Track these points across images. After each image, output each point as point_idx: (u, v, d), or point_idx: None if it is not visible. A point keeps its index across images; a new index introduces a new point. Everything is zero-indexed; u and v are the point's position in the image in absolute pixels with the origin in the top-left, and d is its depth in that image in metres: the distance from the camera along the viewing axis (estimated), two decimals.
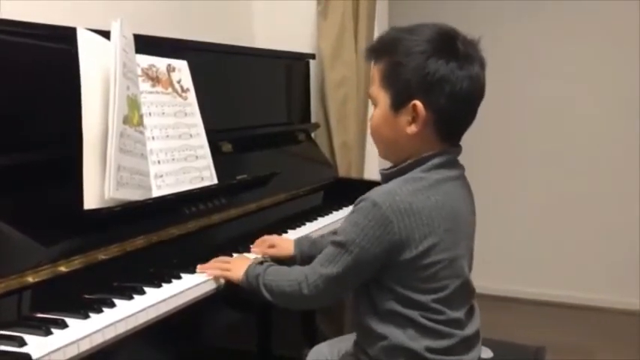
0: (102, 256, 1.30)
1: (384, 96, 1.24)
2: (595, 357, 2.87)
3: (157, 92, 1.58)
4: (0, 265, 1.11)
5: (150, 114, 1.54)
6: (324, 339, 1.63)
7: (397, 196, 1.17)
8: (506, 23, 3.47)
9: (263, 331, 2.13)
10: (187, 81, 1.69)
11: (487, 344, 1.44)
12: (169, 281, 1.33)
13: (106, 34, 1.39)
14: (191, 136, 1.65)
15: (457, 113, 1.22)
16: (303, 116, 2.46)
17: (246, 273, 1.37)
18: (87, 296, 1.23)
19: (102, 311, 1.15)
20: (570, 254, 3.50)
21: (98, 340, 1.09)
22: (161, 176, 1.52)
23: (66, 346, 1.03)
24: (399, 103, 1.22)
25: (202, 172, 1.66)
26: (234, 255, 1.55)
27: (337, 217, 2.02)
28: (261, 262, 1.40)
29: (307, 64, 2.47)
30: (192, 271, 1.40)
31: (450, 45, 1.19)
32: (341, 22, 2.49)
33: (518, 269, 3.60)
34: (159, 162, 1.53)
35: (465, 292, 1.27)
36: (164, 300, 1.25)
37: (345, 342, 1.48)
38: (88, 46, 1.35)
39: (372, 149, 2.60)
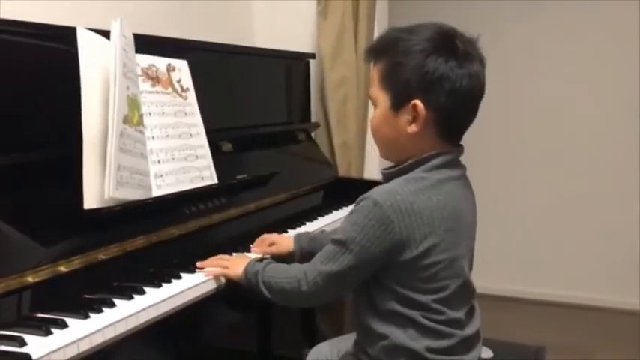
0: (102, 255, 1.30)
1: (384, 96, 1.24)
2: (595, 357, 2.87)
3: (157, 92, 1.58)
4: (0, 265, 1.11)
5: (150, 114, 1.54)
6: (324, 339, 1.63)
7: (398, 196, 1.17)
8: (506, 23, 3.47)
9: (263, 331, 2.13)
10: (187, 81, 1.69)
11: (487, 344, 1.44)
12: (169, 281, 1.33)
13: (106, 34, 1.39)
14: (191, 135, 1.65)
15: (457, 112, 1.21)
16: (303, 116, 2.46)
17: (245, 270, 1.37)
18: (87, 296, 1.23)
19: (102, 311, 1.15)
20: (570, 254, 3.50)
21: (98, 339, 1.08)
22: (161, 176, 1.52)
23: (66, 346, 1.03)
24: (399, 103, 1.22)
25: (202, 172, 1.66)
26: (234, 254, 1.55)
27: (337, 216, 2.02)
28: (260, 260, 1.40)
29: (307, 64, 2.47)
30: (193, 270, 1.40)
31: (449, 43, 1.19)
32: (341, 22, 2.50)
33: (519, 269, 3.60)
34: (159, 162, 1.53)
35: (466, 292, 1.27)
36: (164, 300, 1.25)
37: (346, 342, 1.48)
38: (88, 46, 1.35)
39: (372, 149, 2.60)
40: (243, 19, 2.67)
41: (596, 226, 3.44)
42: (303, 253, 1.59)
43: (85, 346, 1.06)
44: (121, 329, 1.14)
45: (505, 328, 2.16)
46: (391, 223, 1.16)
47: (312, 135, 2.50)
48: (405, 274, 1.20)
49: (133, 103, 1.41)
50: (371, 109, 1.29)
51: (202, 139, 1.68)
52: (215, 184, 1.68)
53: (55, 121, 1.39)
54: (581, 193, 3.45)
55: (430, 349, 1.21)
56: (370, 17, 2.56)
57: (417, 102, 1.19)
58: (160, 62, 1.61)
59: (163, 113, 1.58)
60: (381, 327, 1.23)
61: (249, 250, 1.61)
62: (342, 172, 2.53)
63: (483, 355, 1.38)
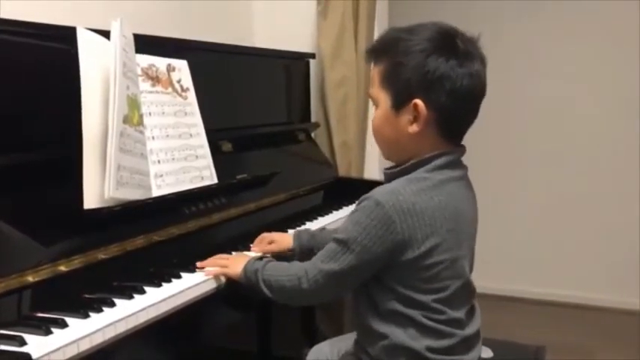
0: (102, 255, 1.30)
1: (384, 96, 1.24)
2: (595, 357, 2.87)
3: (157, 92, 1.58)
4: (0, 265, 1.11)
5: (150, 113, 1.54)
6: (324, 338, 1.63)
7: (400, 196, 1.17)
8: (506, 23, 3.47)
9: (263, 331, 2.13)
10: (187, 80, 1.69)
11: (487, 344, 1.44)
12: (169, 281, 1.33)
13: (105, 34, 1.39)
14: (191, 135, 1.65)
15: (458, 111, 1.21)
16: (303, 116, 2.46)
17: (245, 269, 1.36)
18: (87, 296, 1.23)
19: (102, 311, 1.15)
20: (570, 254, 3.50)
21: (98, 339, 1.08)
22: (161, 176, 1.53)
23: (66, 345, 1.03)
24: (399, 103, 1.22)
25: (202, 172, 1.66)
26: (234, 254, 1.55)
27: (337, 216, 2.02)
28: (260, 258, 1.40)
29: (307, 64, 2.47)
30: (193, 270, 1.40)
31: (450, 43, 1.19)
32: (341, 22, 2.50)
33: (519, 269, 3.61)
34: (159, 161, 1.53)
35: (466, 293, 1.27)
36: (164, 299, 1.25)
37: (346, 341, 1.48)
38: (88, 46, 1.35)
39: (372, 149, 2.61)
40: (243, 19, 2.67)
41: (596, 226, 3.44)
42: (303, 250, 1.59)
43: (85, 346, 1.06)
44: (121, 329, 1.14)
45: (505, 328, 2.16)
46: (393, 223, 1.16)
47: (312, 135, 2.50)
48: (407, 274, 1.20)
49: (133, 103, 1.41)
50: (371, 108, 1.29)
51: (202, 139, 1.68)
52: (215, 184, 1.68)
53: (55, 121, 1.39)
54: (581, 193, 3.45)
55: (430, 349, 1.21)
56: (370, 17, 2.56)
57: (418, 102, 1.19)
58: (160, 62, 1.61)
59: (163, 113, 1.59)
60: (381, 327, 1.23)
61: (249, 250, 1.61)
62: (342, 172, 2.53)
63: (483, 355, 1.38)
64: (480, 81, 1.21)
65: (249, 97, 2.09)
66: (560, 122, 3.49)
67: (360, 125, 2.57)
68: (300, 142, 2.34)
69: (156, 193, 1.49)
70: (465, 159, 1.28)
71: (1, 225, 1.16)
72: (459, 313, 1.25)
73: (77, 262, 1.24)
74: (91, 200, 1.29)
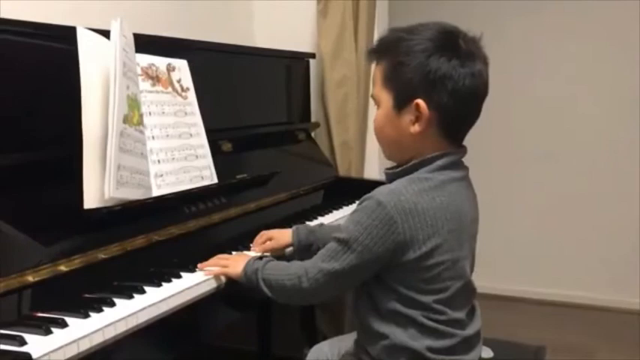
0: (102, 255, 1.30)
1: (386, 96, 1.24)
2: (595, 357, 2.87)
3: (157, 91, 1.58)
4: (0, 265, 1.11)
5: (150, 113, 1.54)
6: (324, 338, 1.63)
7: (402, 196, 1.17)
8: (507, 23, 3.47)
9: (263, 331, 2.13)
10: (187, 80, 1.69)
11: (487, 344, 1.44)
12: (169, 280, 1.33)
13: (105, 34, 1.39)
14: (191, 135, 1.65)
15: (460, 111, 1.21)
16: (303, 115, 2.46)
17: (245, 269, 1.36)
18: (87, 295, 1.23)
19: (102, 310, 1.15)
20: (570, 254, 3.50)
21: (98, 339, 1.08)
22: (161, 175, 1.53)
23: (66, 345, 1.03)
24: (401, 103, 1.21)
25: (202, 172, 1.66)
26: (234, 253, 1.55)
27: (337, 216, 2.02)
28: (260, 258, 1.40)
29: (307, 64, 2.47)
30: (193, 270, 1.40)
31: (452, 43, 1.19)
32: (341, 22, 2.50)
33: (519, 269, 3.60)
34: (159, 161, 1.53)
35: (467, 293, 1.27)
36: (164, 299, 1.25)
37: (346, 341, 1.48)
38: (87, 46, 1.35)
39: (372, 149, 2.61)
40: (243, 19, 2.67)
41: (596, 226, 3.43)
42: (302, 246, 1.60)
43: (85, 346, 1.06)
44: (121, 329, 1.13)
45: (505, 328, 2.16)
46: (394, 224, 1.16)
47: (312, 135, 2.50)
48: (408, 275, 1.20)
49: (133, 103, 1.41)
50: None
51: (202, 139, 1.68)
52: (215, 184, 1.68)
53: (55, 121, 1.39)
54: (581, 193, 3.45)
55: (431, 349, 1.21)
56: (370, 17, 2.56)
57: (420, 101, 1.19)
58: (160, 62, 1.61)
59: (163, 113, 1.59)
60: (381, 327, 1.23)
61: (249, 250, 1.61)
62: (342, 171, 2.53)
63: (484, 355, 1.38)
64: (482, 81, 1.21)
65: (250, 96, 2.09)
66: (560, 122, 3.49)
67: (360, 125, 2.57)
68: (300, 142, 2.34)
69: (156, 192, 1.49)
70: (465, 158, 1.28)
71: (1, 225, 1.16)
72: (460, 314, 1.25)
73: (77, 262, 1.24)
74: (91, 200, 1.29)
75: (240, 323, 1.94)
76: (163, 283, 1.31)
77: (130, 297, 1.22)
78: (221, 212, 1.67)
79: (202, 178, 1.65)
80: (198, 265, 1.41)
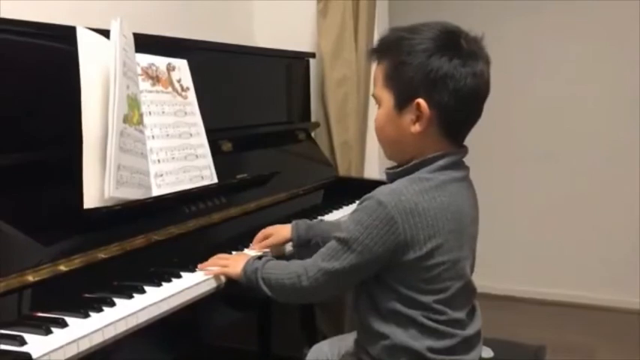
0: (102, 255, 1.30)
1: (387, 96, 1.24)
2: (595, 356, 2.87)
3: (157, 91, 1.58)
4: (0, 264, 1.11)
5: (150, 113, 1.54)
6: (324, 338, 1.63)
7: (403, 196, 1.17)
8: (507, 23, 3.47)
9: (263, 330, 2.13)
10: (187, 80, 1.69)
11: (488, 343, 1.44)
12: (169, 280, 1.33)
13: (105, 34, 1.39)
14: (191, 135, 1.65)
15: (461, 111, 1.21)
16: (303, 115, 2.46)
17: (244, 268, 1.36)
18: (87, 295, 1.23)
19: (102, 310, 1.15)
20: (570, 254, 3.50)
21: (98, 339, 1.08)
22: (161, 175, 1.52)
23: (66, 345, 1.03)
24: (402, 102, 1.21)
25: (202, 171, 1.66)
26: (233, 253, 1.55)
27: (337, 216, 2.02)
28: (260, 257, 1.40)
29: (307, 63, 2.47)
30: (193, 270, 1.40)
31: (453, 42, 1.19)
32: (341, 21, 2.50)
33: (519, 269, 3.60)
34: (159, 161, 1.53)
35: (467, 293, 1.27)
36: (164, 299, 1.25)
37: (346, 341, 1.48)
38: (87, 46, 1.35)
39: (372, 148, 2.61)
40: (243, 18, 2.67)
41: (596, 226, 3.43)
42: (301, 240, 1.60)
43: (85, 346, 1.06)
44: (121, 328, 1.13)
45: (505, 328, 2.16)
46: (395, 224, 1.16)
47: (312, 134, 2.50)
48: (408, 275, 1.20)
49: (133, 103, 1.41)
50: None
51: (202, 139, 1.68)
52: (215, 184, 1.68)
53: (55, 121, 1.39)
54: (581, 193, 3.45)
55: (431, 349, 1.21)
56: (370, 16, 2.56)
57: (421, 101, 1.19)
58: (160, 61, 1.61)
59: (163, 112, 1.59)
60: (382, 327, 1.23)
61: (249, 249, 1.61)
62: (342, 171, 2.53)
63: (484, 355, 1.38)
64: (483, 81, 1.21)
65: (249, 96, 2.09)
66: (560, 122, 3.49)
67: (360, 125, 2.57)
68: (300, 142, 2.34)
69: (156, 192, 1.49)
70: (465, 159, 1.28)
71: (1, 225, 1.16)
72: (460, 314, 1.25)
73: (77, 261, 1.24)
74: (91, 200, 1.29)
75: (240, 323, 1.94)
76: (163, 283, 1.31)
77: (130, 297, 1.22)
78: (221, 212, 1.67)
79: (202, 177, 1.65)
80: (198, 266, 1.41)
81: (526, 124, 3.57)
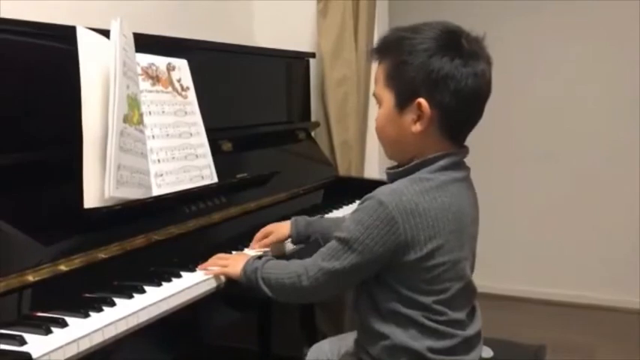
0: (102, 255, 1.30)
1: (388, 95, 1.23)
2: (595, 356, 2.87)
3: (157, 91, 1.58)
4: (0, 264, 1.11)
5: (150, 113, 1.54)
6: (324, 338, 1.63)
7: (404, 197, 1.16)
8: (507, 23, 3.46)
9: (263, 330, 2.13)
10: (187, 80, 1.69)
11: (487, 343, 1.44)
12: (169, 280, 1.33)
13: (105, 34, 1.39)
14: (191, 134, 1.65)
15: (462, 111, 1.21)
16: (304, 115, 2.46)
17: (244, 268, 1.36)
18: (87, 295, 1.23)
19: (102, 310, 1.15)
20: (570, 254, 3.50)
21: (98, 339, 1.08)
22: (161, 175, 1.52)
23: (66, 345, 1.03)
24: (403, 102, 1.21)
25: (202, 171, 1.66)
26: (233, 253, 1.55)
27: (337, 215, 2.02)
28: (260, 257, 1.40)
29: (307, 63, 2.47)
30: (193, 269, 1.40)
31: (455, 42, 1.19)
32: (341, 21, 2.50)
33: (519, 268, 3.61)
34: (159, 161, 1.53)
35: (467, 294, 1.27)
36: (164, 299, 1.25)
37: (346, 340, 1.48)
38: (87, 45, 1.35)
39: (372, 148, 2.61)
40: (243, 18, 2.67)
41: (596, 225, 3.43)
42: (300, 237, 1.60)
43: (85, 345, 1.06)
44: (122, 328, 1.13)
45: (505, 328, 2.16)
46: (396, 224, 1.16)
47: (312, 134, 2.50)
48: (408, 275, 1.20)
49: (133, 102, 1.41)
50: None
51: (202, 138, 1.68)
52: (215, 183, 1.68)
53: (55, 121, 1.38)
54: (581, 193, 3.45)
55: (431, 350, 1.21)
56: (370, 16, 2.56)
57: (422, 101, 1.19)
58: (160, 61, 1.61)
59: (163, 112, 1.59)
60: (382, 327, 1.23)
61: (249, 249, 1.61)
62: (342, 171, 2.53)
63: (484, 355, 1.38)
64: (484, 81, 1.21)
65: (250, 96, 2.09)
66: (560, 122, 3.49)
67: (360, 124, 2.57)
68: (300, 142, 2.34)
69: (156, 192, 1.49)
70: (465, 158, 1.28)
71: (1, 225, 1.16)
72: (460, 314, 1.25)
73: (77, 261, 1.24)
74: (91, 199, 1.29)
75: (240, 323, 1.94)
76: (163, 283, 1.31)
77: (130, 296, 1.22)
78: (221, 212, 1.67)
79: (202, 177, 1.65)
80: (198, 266, 1.41)
81: (526, 124, 3.57)
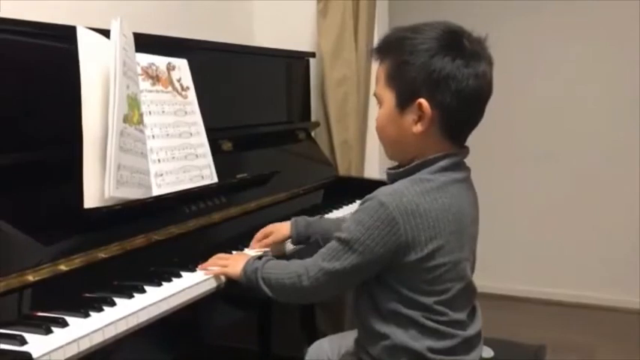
0: (102, 254, 1.30)
1: (389, 95, 1.23)
2: (595, 356, 2.87)
3: (157, 91, 1.58)
4: (0, 264, 1.11)
5: (150, 112, 1.54)
6: (324, 337, 1.63)
7: (404, 197, 1.16)
8: (507, 23, 3.46)
9: (263, 330, 2.13)
10: (187, 79, 1.69)
11: (488, 343, 1.44)
12: (170, 280, 1.33)
13: (105, 33, 1.39)
14: (191, 134, 1.65)
15: (463, 111, 1.20)
16: (304, 115, 2.46)
17: (244, 268, 1.36)
18: (87, 295, 1.23)
19: (102, 310, 1.15)
20: (570, 254, 3.50)
21: (98, 338, 1.08)
22: (161, 175, 1.52)
23: (66, 344, 1.03)
24: (404, 102, 1.21)
25: (202, 171, 1.66)
26: (234, 252, 1.55)
27: (337, 215, 2.02)
28: (260, 257, 1.40)
29: (307, 63, 2.47)
30: (193, 269, 1.40)
31: (456, 42, 1.19)
32: (341, 21, 2.50)
33: (519, 268, 3.61)
34: (159, 161, 1.53)
35: (468, 294, 1.27)
36: (164, 299, 1.25)
37: (346, 339, 1.48)
38: (87, 45, 1.34)
39: (372, 148, 2.61)
40: (243, 18, 2.67)
41: (596, 226, 3.43)
42: (300, 238, 1.60)
43: (85, 345, 1.06)
44: (122, 328, 1.13)
45: (505, 328, 2.16)
46: (396, 225, 1.15)
47: (313, 134, 2.50)
48: (409, 276, 1.20)
49: (133, 102, 1.41)
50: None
51: (202, 138, 1.68)
52: (215, 183, 1.68)
53: (55, 121, 1.38)
54: (581, 193, 3.45)
55: (432, 350, 1.21)
56: (370, 16, 2.56)
57: (423, 101, 1.18)
58: (160, 61, 1.61)
59: (163, 112, 1.59)
60: (382, 327, 1.23)
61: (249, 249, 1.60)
62: (342, 171, 2.53)
63: (484, 355, 1.38)
64: (486, 81, 1.21)
65: (250, 96, 2.09)
66: (560, 122, 3.49)
67: (360, 124, 2.57)
68: (300, 141, 2.34)
69: (156, 192, 1.49)
70: (465, 159, 1.28)
71: (1, 225, 1.16)
72: (461, 315, 1.25)
73: (77, 261, 1.24)
74: (91, 199, 1.29)
75: (240, 323, 1.94)
76: (163, 283, 1.31)
77: (131, 296, 1.22)
78: (221, 212, 1.67)
79: (202, 177, 1.65)
80: (198, 266, 1.41)
81: (526, 124, 3.57)
